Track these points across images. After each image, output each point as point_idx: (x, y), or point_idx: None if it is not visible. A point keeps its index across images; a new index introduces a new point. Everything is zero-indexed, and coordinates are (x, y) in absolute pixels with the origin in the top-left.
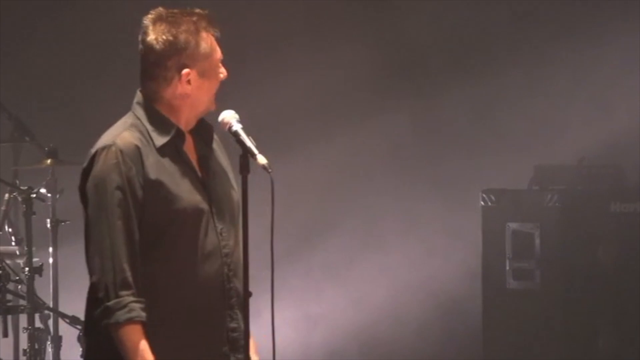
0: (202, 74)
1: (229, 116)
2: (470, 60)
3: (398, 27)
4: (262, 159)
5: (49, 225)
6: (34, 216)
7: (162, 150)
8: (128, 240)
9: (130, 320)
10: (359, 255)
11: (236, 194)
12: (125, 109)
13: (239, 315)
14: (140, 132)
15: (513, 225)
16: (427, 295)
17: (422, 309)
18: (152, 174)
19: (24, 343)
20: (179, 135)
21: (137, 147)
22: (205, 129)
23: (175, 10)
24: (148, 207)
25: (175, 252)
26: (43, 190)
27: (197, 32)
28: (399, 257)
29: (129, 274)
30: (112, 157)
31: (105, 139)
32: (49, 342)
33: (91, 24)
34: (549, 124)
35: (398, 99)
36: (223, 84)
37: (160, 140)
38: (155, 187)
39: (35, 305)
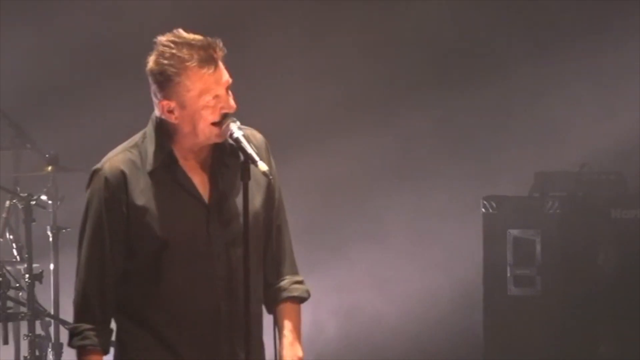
0: (182, 107)
1: (229, 124)
2: (471, 68)
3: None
4: (262, 166)
5: (49, 232)
6: (35, 223)
7: (153, 175)
8: (98, 266)
9: (84, 348)
10: (359, 257)
11: (261, 208)
12: (126, 117)
13: (236, 340)
14: (140, 152)
15: (514, 232)
16: (427, 301)
17: (423, 314)
18: (139, 200)
19: (24, 350)
20: (171, 159)
21: (123, 173)
22: (226, 145)
23: (176, 40)
24: (135, 232)
25: (165, 276)
26: (44, 197)
27: (182, 68)
28: (401, 261)
29: (92, 300)
30: (97, 182)
31: (103, 159)
32: (49, 349)
33: (94, 30)
34: (550, 131)
35: (398, 108)
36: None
37: (150, 164)
38: (141, 213)
39: (36, 312)
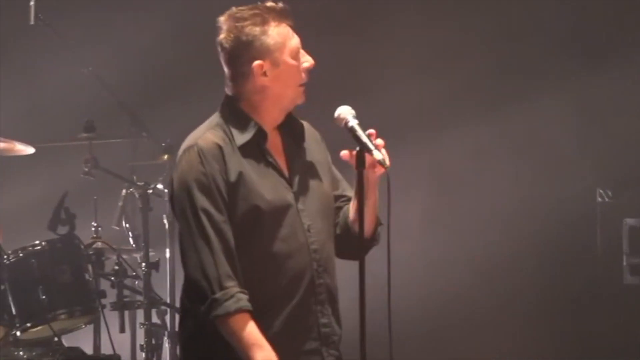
0: (276, 64)
1: (345, 112)
2: (579, 59)
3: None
4: (378, 155)
5: (165, 221)
6: (151, 212)
7: (243, 150)
8: (220, 235)
9: (240, 310)
10: (472, 248)
11: (329, 189)
12: None
13: (330, 311)
14: (224, 131)
15: (630, 221)
16: (544, 290)
17: (540, 303)
18: (234, 174)
19: (140, 338)
20: (260, 134)
21: (219, 147)
22: (294, 125)
23: (244, 7)
24: (232, 205)
25: (262, 249)
26: (160, 186)
27: (264, 23)
28: (517, 250)
29: (228, 267)
30: (195, 157)
31: (188, 141)
32: (165, 338)
33: (207, 19)
34: None
35: (509, 98)
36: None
37: (241, 139)
38: (237, 186)
39: (152, 301)
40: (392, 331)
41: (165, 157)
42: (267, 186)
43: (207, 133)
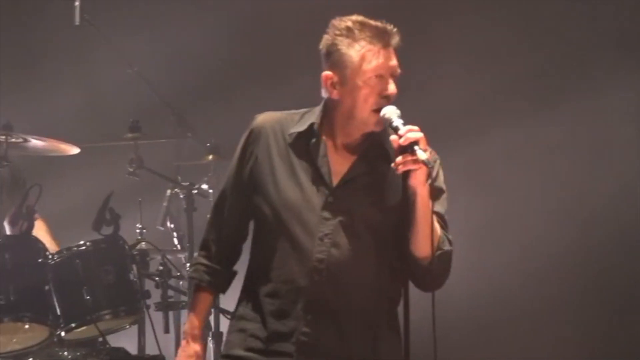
0: (344, 81)
1: (390, 112)
2: (633, 58)
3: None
4: (422, 155)
5: None
6: (195, 212)
7: (295, 140)
8: (223, 207)
9: (192, 279)
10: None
11: (387, 217)
12: (283, 107)
13: (320, 322)
14: (298, 119)
15: None
16: (589, 291)
17: (585, 305)
18: (268, 161)
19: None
20: (312, 134)
21: (266, 131)
22: (376, 151)
23: (353, 18)
24: (254, 191)
25: (268, 243)
26: (204, 186)
27: (353, 38)
28: (557, 250)
29: (210, 240)
30: (247, 131)
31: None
32: (210, 338)
33: (252, 21)
34: None
35: (560, 99)
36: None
37: (293, 128)
38: (264, 174)
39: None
40: (436, 332)
41: (210, 157)
42: (294, 184)
43: (276, 114)
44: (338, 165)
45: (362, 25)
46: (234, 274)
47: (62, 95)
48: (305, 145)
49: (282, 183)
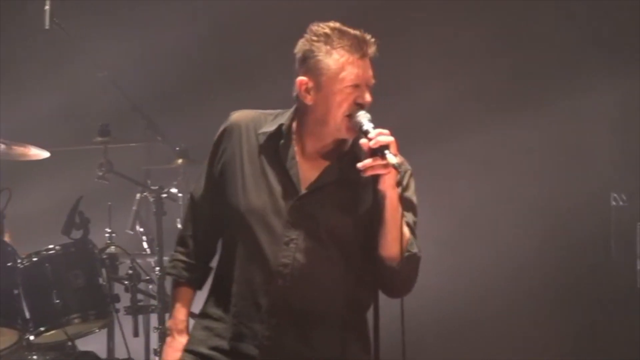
0: (319, 87)
1: (360, 115)
2: (615, 57)
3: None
4: (392, 159)
5: (179, 225)
6: (165, 216)
7: (265, 142)
8: (198, 202)
9: (171, 276)
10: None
11: (351, 225)
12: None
13: (283, 327)
14: (271, 119)
15: None
16: (556, 293)
17: (552, 307)
18: (237, 160)
19: (154, 343)
20: (283, 136)
21: (240, 127)
22: (349, 160)
23: (331, 24)
24: (222, 191)
25: (233, 245)
26: (174, 190)
27: (331, 46)
28: (529, 254)
29: (186, 237)
30: (221, 128)
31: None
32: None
33: (221, 24)
34: None
35: (532, 102)
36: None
37: (264, 128)
38: (231, 173)
39: (166, 305)
40: (406, 336)
41: (180, 161)
42: (260, 186)
43: (251, 112)
44: (307, 171)
45: (341, 33)
46: (210, 269)
47: (31, 100)
48: (274, 147)
49: (248, 185)
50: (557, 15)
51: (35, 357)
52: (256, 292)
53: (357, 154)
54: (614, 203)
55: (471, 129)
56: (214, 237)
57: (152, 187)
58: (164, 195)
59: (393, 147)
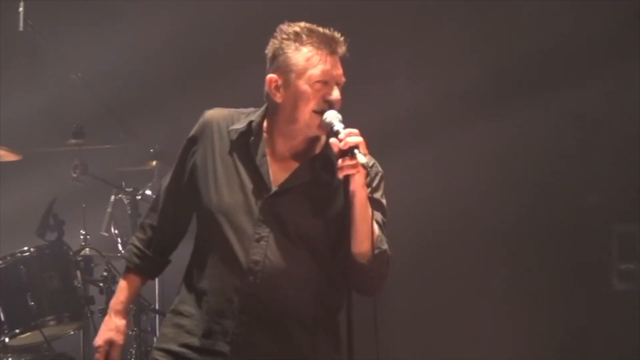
0: (287, 84)
1: (331, 116)
2: (598, 55)
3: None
4: (361, 158)
5: None
6: (140, 218)
7: (237, 140)
8: (164, 195)
9: (123, 258)
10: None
11: (321, 226)
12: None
13: (254, 323)
14: (238, 119)
15: (618, 227)
16: (527, 295)
17: (523, 309)
18: (209, 159)
19: (130, 344)
20: (254, 133)
21: (213, 125)
22: (322, 162)
23: (301, 23)
24: (193, 189)
25: (202, 240)
26: (148, 192)
27: (300, 43)
28: (507, 259)
29: (149, 221)
30: (196, 125)
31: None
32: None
33: (197, 26)
34: None
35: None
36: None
37: (235, 126)
38: (203, 172)
39: (141, 307)
40: (380, 331)
41: (154, 163)
42: (231, 183)
43: (224, 111)
44: (278, 170)
45: (310, 31)
46: (167, 262)
47: (5, 101)
48: (245, 144)
49: (220, 182)
50: (524, 21)
51: (10, 359)
52: (228, 289)
53: (329, 156)
54: (587, 205)
55: (437, 132)
56: (175, 230)
57: (127, 189)
58: (139, 197)
59: (362, 147)
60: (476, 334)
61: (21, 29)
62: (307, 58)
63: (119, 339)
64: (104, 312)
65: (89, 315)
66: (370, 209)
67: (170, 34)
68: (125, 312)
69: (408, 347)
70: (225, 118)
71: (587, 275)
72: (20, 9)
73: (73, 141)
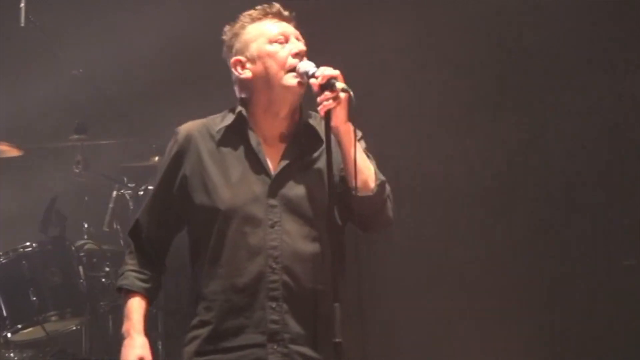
0: (253, 55)
1: (304, 65)
2: (597, 58)
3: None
4: (340, 84)
5: None
6: None
7: (223, 137)
8: (150, 212)
9: (122, 288)
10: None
11: (324, 193)
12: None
13: (285, 308)
14: (215, 122)
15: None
16: (528, 295)
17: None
18: (202, 164)
19: None
20: (240, 123)
21: (191, 136)
22: (308, 134)
23: (242, 15)
24: (192, 197)
25: (217, 236)
26: (151, 187)
27: (247, 25)
28: (496, 259)
29: (138, 246)
30: (172, 141)
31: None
32: (159, 341)
33: (200, 23)
34: None
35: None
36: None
37: (221, 124)
38: (200, 177)
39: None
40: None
41: (156, 158)
42: (234, 179)
43: (196, 121)
44: (271, 154)
45: (260, 8)
46: (160, 285)
47: (6, 97)
48: (236, 138)
49: (217, 185)
50: (518, 24)
51: (12, 354)
52: (251, 282)
53: (309, 124)
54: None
55: (438, 136)
56: (162, 249)
57: (129, 185)
58: (141, 192)
59: (340, 79)
60: (476, 334)
61: (22, 24)
62: (260, 27)
63: (148, 354)
64: (106, 308)
65: (91, 310)
66: (355, 139)
67: (174, 30)
68: (143, 332)
69: (408, 347)
70: (204, 125)
71: (593, 276)
72: (22, 4)
73: (75, 137)
